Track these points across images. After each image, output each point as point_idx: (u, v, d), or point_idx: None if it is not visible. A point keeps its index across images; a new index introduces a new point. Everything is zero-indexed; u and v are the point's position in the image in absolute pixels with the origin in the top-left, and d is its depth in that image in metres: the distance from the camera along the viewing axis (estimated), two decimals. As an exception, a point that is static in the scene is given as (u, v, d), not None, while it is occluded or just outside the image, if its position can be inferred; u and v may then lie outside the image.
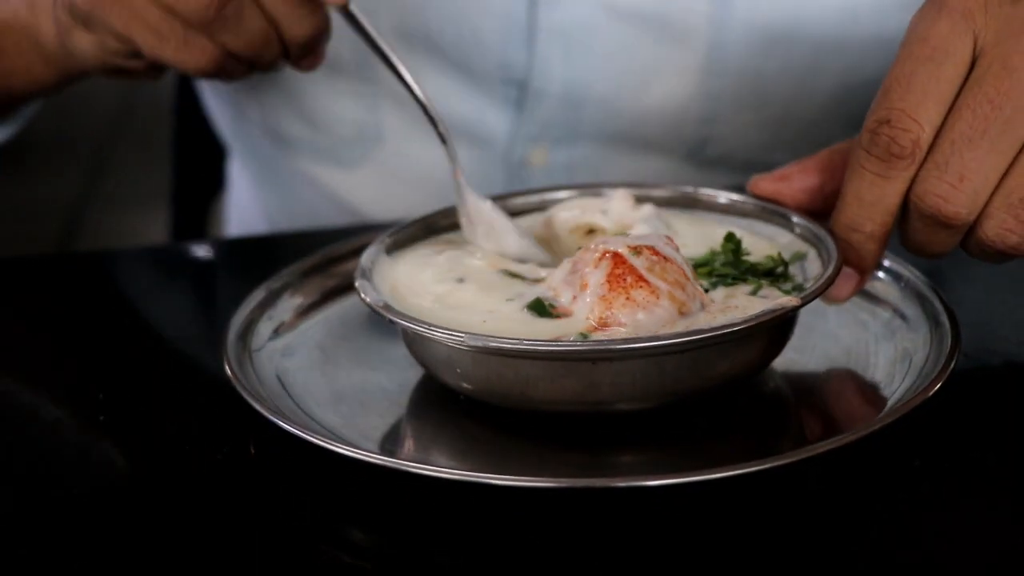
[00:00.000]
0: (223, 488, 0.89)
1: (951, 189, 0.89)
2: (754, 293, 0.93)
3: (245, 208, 1.56)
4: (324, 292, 1.05)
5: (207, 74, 1.09)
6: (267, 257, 1.22)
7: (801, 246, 0.97)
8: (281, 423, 0.89)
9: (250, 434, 0.93)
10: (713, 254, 0.97)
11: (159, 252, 1.39)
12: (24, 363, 1.05)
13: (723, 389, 0.90)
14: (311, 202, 1.42)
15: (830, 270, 0.91)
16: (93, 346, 1.07)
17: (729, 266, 0.95)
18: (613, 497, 0.84)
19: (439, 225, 1.03)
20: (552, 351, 0.86)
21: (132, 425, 0.96)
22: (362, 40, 1.08)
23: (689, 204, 1.03)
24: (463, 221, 1.01)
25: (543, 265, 0.98)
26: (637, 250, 0.90)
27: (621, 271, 0.89)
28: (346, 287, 1.03)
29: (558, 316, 0.90)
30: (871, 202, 0.92)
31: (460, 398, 0.92)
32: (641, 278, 0.89)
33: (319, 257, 1.06)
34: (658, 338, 0.86)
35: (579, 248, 0.94)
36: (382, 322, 0.92)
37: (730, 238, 0.97)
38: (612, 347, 0.86)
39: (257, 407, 0.90)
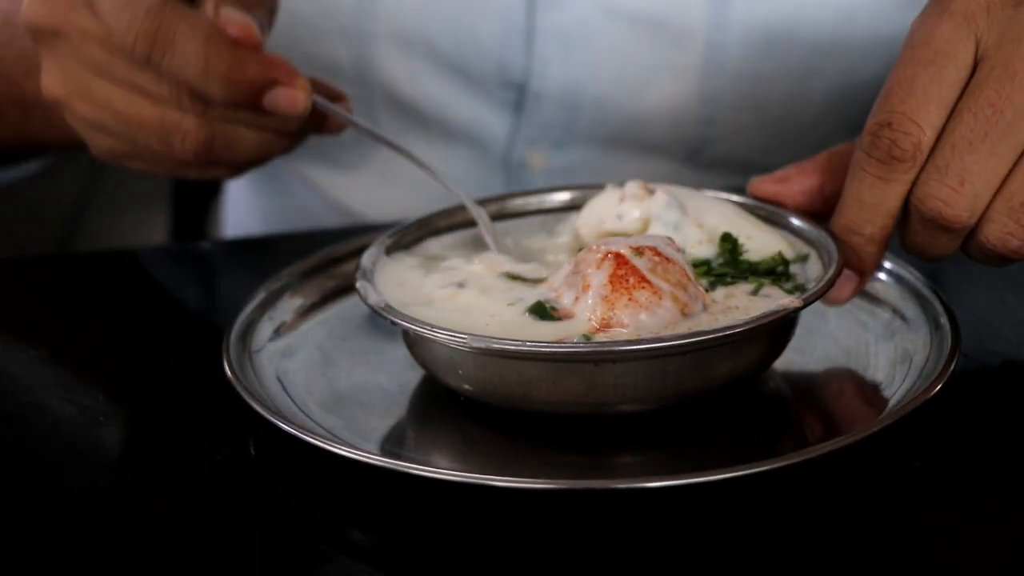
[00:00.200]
0: (223, 489, 0.89)
1: (952, 192, 0.89)
2: (755, 292, 0.93)
3: (241, 209, 1.56)
4: (324, 293, 1.05)
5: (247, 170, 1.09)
6: (267, 258, 1.22)
7: (802, 247, 0.97)
8: (281, 424, 0.89)
9: (250, 435, 0.93)
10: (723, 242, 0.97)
11: (159, 253, 1.39)
12: (23, 363, 1.05)
13: (725, 390, 0.90)
14: (308, 204, 1.42)
15: (831, 271, 0.91)
16: (93, 347, 1.07)
17: (727, 266, 0.96)
18: (613, 498, 0.84)
19: (438, 226, 1.03)
20: (555, 353, 0.86)
21: (132, 426, 0.97)
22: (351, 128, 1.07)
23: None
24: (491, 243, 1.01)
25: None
26: (639, 251, 0.90)
27: (623, 272, 0.89)
28: (346, 288, 1.03)
29: (559, 319, 0.90)
30: (871, 205, 0.92)
31: (460, 399, 0.92)
32: (643, 279, 0.89)
33: (319, 258, 1.06)
34: (661, 339, 0.86)
35: (580, 249, 0.94)
36: (382, 323, 0.92)
37: (727, 238, 0.97)
38: (615, 348, 0.86)
39: (257, 408, 0.90)
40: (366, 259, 0.96)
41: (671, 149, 1.34)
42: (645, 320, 0.88)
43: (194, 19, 1.00)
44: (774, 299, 0.91)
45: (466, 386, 0.90)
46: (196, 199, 1.74)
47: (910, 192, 0.91)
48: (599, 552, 0.82)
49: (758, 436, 0.92)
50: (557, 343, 0.87)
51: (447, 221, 1.03)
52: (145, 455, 0.93)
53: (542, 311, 0.91)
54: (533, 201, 1.05)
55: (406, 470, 0.85)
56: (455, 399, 0.92)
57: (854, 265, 0.94)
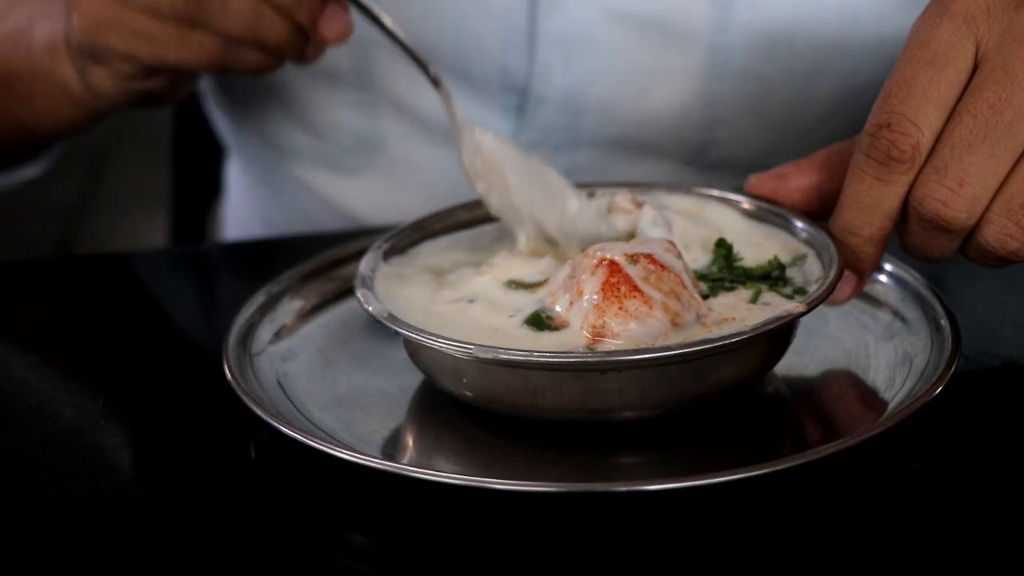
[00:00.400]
0: (223, 492, 0.89)
1: (950, 194, 0.89)
2: (754, 300, 0.93)
3: (242, 212, 1.56)
4: (324, 296, 1.05)
5: (218, 68, 1.09)
6: (267, 261, 1.22)
7: (799, 248, 0.97)
8: (281, 427, 0.89)
9: (250, 438, 0.93)
10: (717, 251, 0.97)
11: (159, 256, 1.39)
12: (23, 367, 1.05)
13: (728, 395, 0.90)
14: (310, 208, 1.42)
15: (832, 274, 0.91)
16: (92, 350, 1.07)
17: (723, 271, 0.96)
18: (613, 501, 0.84)
19: (434, 229, 1.03)
20: (561, 363, 0.86)
21: (132, 429, 0.96)
22: None
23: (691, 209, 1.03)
24: (464, 160, 1.01)
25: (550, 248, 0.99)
26: (634, 258, 0.90)
27: (616, 280, 0.89)
28: (346, 291, 1.03)
29: (556, 328, 0.90)
30: (870, 205, 0.92)
31: (460, 402, 0.92)
32: (635, 287, 0.89)
33: (319, 261, 1.06)
34: (667, 348, 0.86)
35: (582, 251, 0.94)
36: (382, 327, 0.92)
37: (721, 243, 0.97)
38: (621, 359, 0.86)
39: (257, 411, 0.90)
40: (364, 266, 0.96)
41: (674, 152, 1.34)
42: (635, 329, 0.88)
43: None
44: (773, 307, 0.91)
45: (468, 393, 0.90)
46: (196, 202, 1.74)
47: (909, 193, 0.91)
48: (599, 555, 0.82)
49: (758, 439, 0.92)
50: (564, 352, 0.87)
51: (442, 224, 1.03)
52: (145, 458, 0.93)
53: (539, 321, 0.91)
54: None
55: (406, 473, 0.85)
56: (455, 402, 0.93)
57: (853, 266, 0.94)
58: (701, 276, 0.95)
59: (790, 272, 0.95)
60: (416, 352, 0.92)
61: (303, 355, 1.00)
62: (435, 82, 1.05)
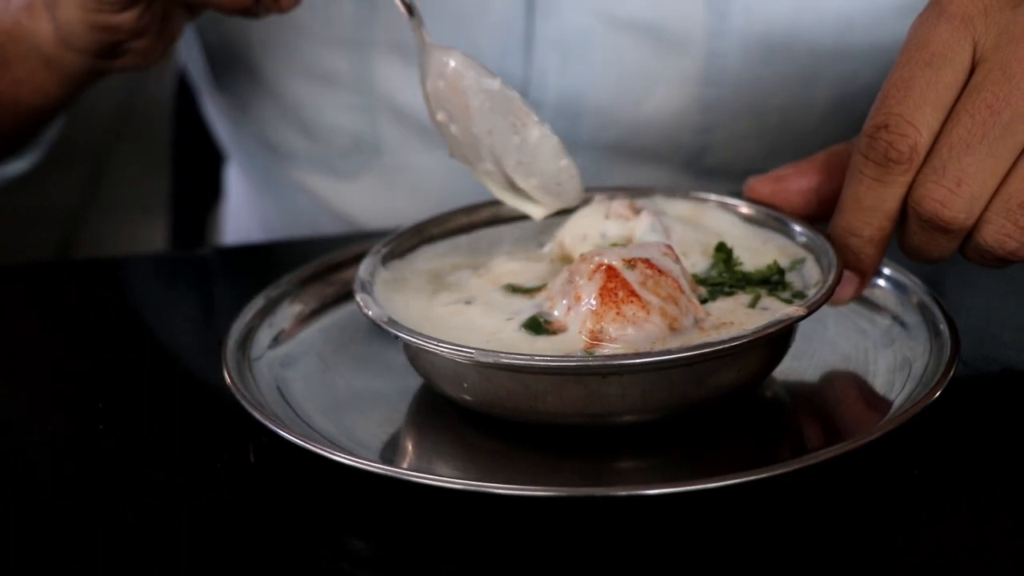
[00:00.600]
0: (223, 496, 0.89)
1: (949, 194, 0.89)
2: (752, 305, 0.93)
3: (242, 216, 1.56)
4: (323, 300, 1.05)
5: None
6: (266, 265, 1.22)
7: (797, 252, 0.97)
8: (281, 432, 0.89)
9: (250, 442, 0.93)
10: (716, 256, 0.97)
11: (158, 260, 1.39)
12: (23, 371, 1.05)
13: (728, 399, 0.91)
14: (308, 211, 1.42)
15: (831, 277, 0.91)
16: (92, 354, 1.07)
17: (722, 276, 0.96)
18: (613, 506, 0.84)
19: (432, 233, 1.02)
20: (562, 367, 0.86)
21: (131, 433, 0.96)
22: None
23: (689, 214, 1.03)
24: (427, 86, 0.98)
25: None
26: (632, 263, 0.90)
27: (613, 285, 0.89)
28: (345, 295, 1.03)
29: (553, 332, 0.90)
30: (869, 207, 0.92)
31: (459, 406, 0.92)
32: (632, 292, 0.89)
33: (318, 265, 1.06)
34: (669, 352, 0.86)
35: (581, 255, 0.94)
36: (381, 330, 0.92)
37: (721, 247, 0.97)
38: (623, 362, 0.86)
39: (256, 416, 0.90)
40: (363, 271, 0.96)
41: (671, 156, 1.34)
42: (632, 334, 0.88)
43: None
44: (772, 311, 0.91)
45: (468, 398, 0.90)
46: (196, 205, 1.74)
47: (908, 194, 0.91)
48: (599, 559, 0.82)
49: (757, 443, 0.92)
50: (565, 356, 0.87)
51: (440, 228, 1.03)
52: (144, 462, 0.93)
53: (536, 326, 0.91)
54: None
55: (406, 477, 0.85)
56: (454, 406, 0.93)
57: (853, 267, 0.94)
58: (700, 281, 0.95)
59: (789, 276, 0.95)
60: (416, 356, 0.92)
61: (302, 359, 1.00)
62: (409, 9, 1.01)
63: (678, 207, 1.02)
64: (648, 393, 0.87)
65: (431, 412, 0.95)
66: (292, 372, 0.98)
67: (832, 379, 0.97)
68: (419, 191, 1.36)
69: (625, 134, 1.32)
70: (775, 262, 0.96)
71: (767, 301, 0.93)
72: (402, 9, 1.00)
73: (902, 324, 0.99)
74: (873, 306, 1.01)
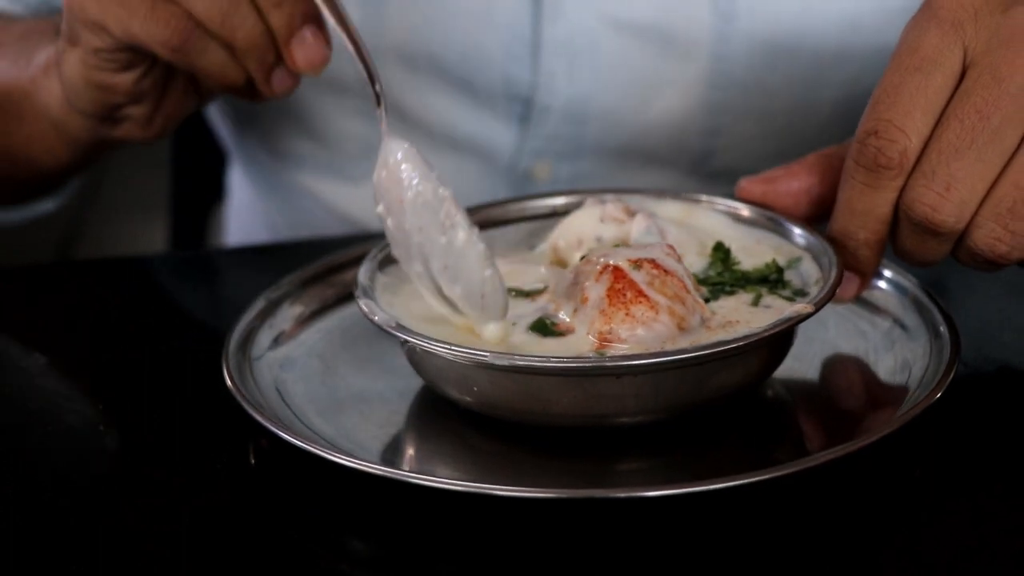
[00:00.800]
0: (223, 498, 0.89)
1: (938, 198, 0.89)
2: (755, 303, 0.93)
3: (245, 217, 1.56)
4: (324, 301, 1.05)
5: (180, 54, 1.05)
6: (266, 266, 1.22)
7: (792, 251, 0.97)
8: (281, 433, 0.89)
9: (250, 444, 0.93)
10: (713, 256, 0.97)
11: (159, 260, 1.39)
12: (23, 372, 1.05)
13: (734, 397, 0.91)
14: (314, 214, 1.42)
15: (833, 275, 0.92)
16: (93, 355, 1.07)
17: (721, 275, 0.96)
18: (614, 507, 0.84)
19: None
20: (579, 368, 0.86)
21: (132, 434, 0.96)
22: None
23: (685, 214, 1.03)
24: (374, 176, 0.96)
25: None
26: (638, 264, 0.90)
27: (621, 286, 0.89)
28: (346, 296, 1.02)
29: (561, 334, 0.90)
30: (862, 211, 0.92)
31: (460, 408, 0.92)
32: (640, 293, 0.89)
33: (319, 266, 1.06)
34: (683, 351, 0.86)
35: (582, 257, 0.94)
36: (381, 332, 0.92)
37: (718, 247, 0.97)
38: (640, 362, 0.86)
39: (257, 417, 0.90)
40: (362, 276, 0.96)
41: (677, 160, 1.34)
42: (642, 335, 0.88)
43: None
44: (775, 309, 0.92)
45: (478, 402, 0.90)
46: (196, 206, 1.74)
47: (899, 197, 0.91)
48: (600, 561, 0.82)
49: (758, 445, 0.92)
50: (581, 357, 0.87)
51: None
52: (145, 463, 0.93)
53: (544, 328, 0.91)
54: (514, 209, 1.05)
55: (406, 479, 0.85)
56: (454, 407, 0.92)
57: (853, 268, 0.95)
58: (700, 280, 0.95)
59: (787, 275, 0.96)
60: (422, 360, 0.92)
61: (303, 361, 1.00)
62: (377, 97, 1.00)
63: (669, 208, 1.02)
64: (661, 393, 0.87)
65: (431, 413, 0.95)
66: (292, 373, 0.98)
67: (833, 381, 0.97)
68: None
69: (632, 138, 1.32)
70: (774, 260, 0.96)
71: (769, 299, 0.93)
72: (373, 95, 0.99)
73: (902, 326, 0.99)
74: (873, 308, 1.01)
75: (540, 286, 0.95)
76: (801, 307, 0.89)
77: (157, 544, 0.85)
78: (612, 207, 1.00)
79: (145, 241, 3.16)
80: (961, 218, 0.90)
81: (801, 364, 0.97)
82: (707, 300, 0.93)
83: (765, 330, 0.87)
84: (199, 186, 1.72)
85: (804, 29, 1.28)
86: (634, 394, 0.87)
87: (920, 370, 0.93)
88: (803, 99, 1.32)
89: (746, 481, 0.82)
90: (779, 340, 0.90)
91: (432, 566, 0.84)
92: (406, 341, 0.90)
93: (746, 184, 1.00)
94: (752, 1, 1.28)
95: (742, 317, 0.91)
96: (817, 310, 0.89)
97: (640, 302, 0.89)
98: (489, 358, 0.87)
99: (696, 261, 0.97)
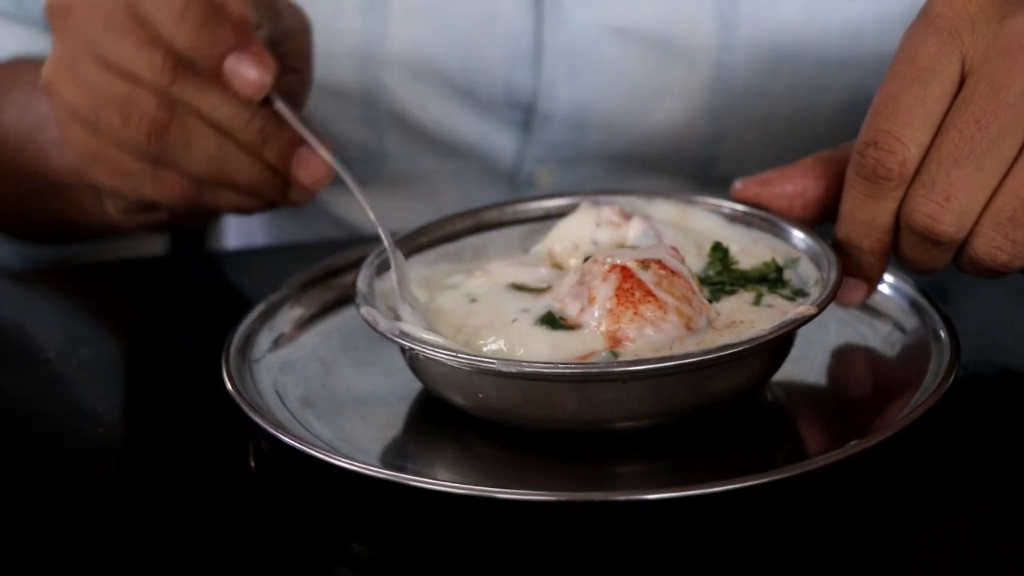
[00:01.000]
0: (222, 501, 0.89)
1: (938, 208, 0.90)
2: (756, 302, 0.93)
3: (245, 221, 1.56)
4: (324, 304, 1.05)
5: (198, 206, 1.07)
6: (267, 269, 1.22)
7: (787, 251, 0.97)
8: (281, 436, 0.89)
9: (250, 447, 0.93)
10: (712, 256, 0.97)
11: (159, 263, 1.39)
12: (23, 374, 1.05)
13: (736, 399, 0.91)
14: (314, 220, 1.42)
15: (833, 276, 0.92)
16: (93, 357, 1.07)
17: (720, 275, 0.96)
18: (613, 511, 0.84)
19: (419, 243, 1.02)
20: (583, 374, 0.86)
21: (131, 437, 0.96)
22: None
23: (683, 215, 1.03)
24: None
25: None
26: (645, 264, 0.90)
27: (629, 285, 0.89)
28: (345, 299, 1.02)
29: (570, 327, 0.90)
30: (864, 221, 0.93)
31: (459, 411, 0.92)
32: (649, 293, 0.89)
33: (319, 269, 1.06)
34: (691, 355, 0.86)
35: (587, 259, 0.94)
36: (383, 336, 0.92)
37: (717, 247, 0.98)
38: (650, 366, 0.85)
39: (257, 420, 0.90)
40: (361, 283, 0.96)
41: (679, 167, 1.34)
42: (651, 335, 0.88)
43: None
44: (777, 308, 0.92)
45: (482, 408, 0.90)
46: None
47: (900, 207, 0.92)
48: (599, 564, 0.82)
49: (757, 448, 0.92)
50: (591, 363, 0.87)
51: (427, 238, 1.03)
52: (144, 466, 0.93)
53: (553, 321, 0.91)
54: (508, 212, 1.05)
55: (406, 482, 0.85)
56: (454, 411, 0.92)
57: (858, 276, 0.95)
58: (701, 281, 0.95)
59: (785, 274, 0.96)
60: (425, 367, 0.92)
61: (302, 363, 1.00)
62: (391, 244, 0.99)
63: (664, 211, 1.02)
64: (667, 397, 0.87)
65: (431, 417, 0.95)
66: (292, 376, 0.98)
67: (833, 384, 0.97)
68: (426, 200, 1.36)
69: (634, 145, 1.33)
70: (772, 259, 0.96)
71: (770, 298, 0.93)
72: (385, 242, 0.98)
73: (902, 329, 0.99)
74: (873, 311, 1.01)
75: (544, 285, 0.95)
76: (804, 309, 0.89)
77: (157, 544, 0.85)
78: (608, 211, 1.00)
79: (145, 244, 3.15)
80: (961, 228, 0.90)
81: (801, 367, 0.97)
82: (709, 300, 0.93)
83: (778, 328, 0.87)
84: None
85: (807, 36, 1.28)
86: (639, 398, 0.87)
87: (920, 374, 0.93)
88: (805, 106, 1.32)
89: (746, 484, 0.82)
90: (788, 339, 0.91)
91: (431, 569, 0.84)
92: (411, 348, 0.90)
93: (740, 185, 1.00)
94: (755, 9, 1.28)
95: (746, 317, 0.91)
96: (819, 311, 0.89)
97: (648, 302, 0.89)
98: (496, 365, 0.87)
99: (695, 262, 0.97)
